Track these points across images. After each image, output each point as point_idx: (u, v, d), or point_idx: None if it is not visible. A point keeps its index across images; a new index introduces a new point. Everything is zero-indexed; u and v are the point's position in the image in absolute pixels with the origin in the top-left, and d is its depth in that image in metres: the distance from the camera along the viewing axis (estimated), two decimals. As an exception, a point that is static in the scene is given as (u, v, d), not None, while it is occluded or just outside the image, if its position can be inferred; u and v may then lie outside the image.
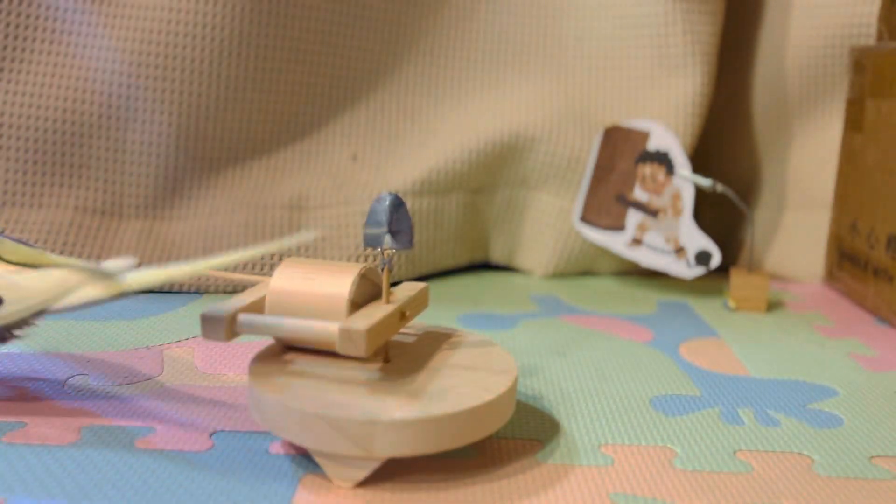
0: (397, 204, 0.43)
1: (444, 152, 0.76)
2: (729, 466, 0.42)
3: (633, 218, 0.74)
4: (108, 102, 0.68)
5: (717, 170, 0.79)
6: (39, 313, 0.40)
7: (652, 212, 0.74)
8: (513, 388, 0.42)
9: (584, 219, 0.76)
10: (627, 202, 0.75)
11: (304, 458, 0.41)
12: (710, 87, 0.77)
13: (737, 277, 0.71)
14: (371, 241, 0.43)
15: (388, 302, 0.43)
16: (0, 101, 0.67)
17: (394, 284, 0.71)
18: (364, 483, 0.39)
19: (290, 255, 0.66)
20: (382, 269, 0.43)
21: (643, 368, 0.56)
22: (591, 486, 0.39)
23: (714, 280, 0.76)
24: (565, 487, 0.39)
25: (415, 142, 0.76)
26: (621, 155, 0.76)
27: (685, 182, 0.73)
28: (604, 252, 0.79)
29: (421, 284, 0.48)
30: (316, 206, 0.73)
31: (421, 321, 0.63)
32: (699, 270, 0.71)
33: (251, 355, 0.47)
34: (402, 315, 0.44)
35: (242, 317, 0.42)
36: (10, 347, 0.56)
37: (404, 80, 0.76)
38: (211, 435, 0.44)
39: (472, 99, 0.78)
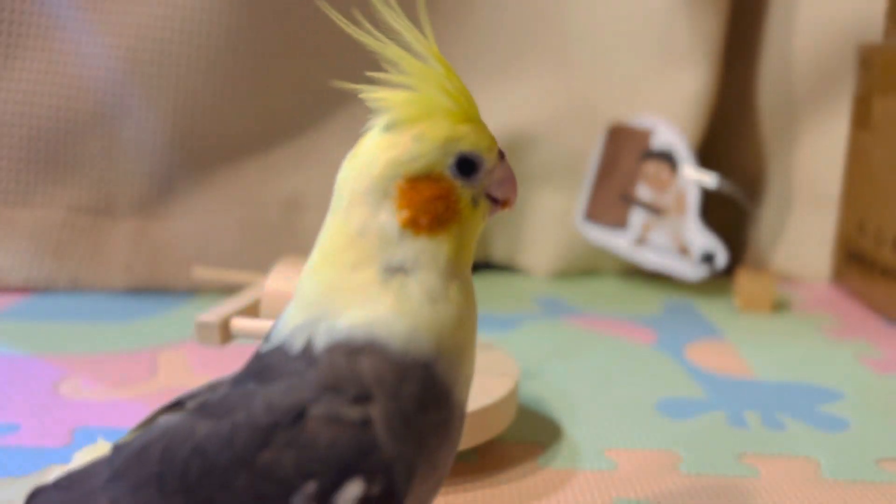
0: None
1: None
2: (735, 470, 0.41)
3: (638, 217, 0.74)
4: (101, 100, 0.67)
5: (722, 168, 0.79)
6: None
7: (656, 210, 0.73)
8: (514, 392, 0.41)
9: (588, 217, 0.75)
10: (631, 201, 0.74)
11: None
12: (715, 84, 0.76)
13: (742, 277, 0.70)
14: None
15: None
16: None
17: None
18: (361, 488, 0.38)
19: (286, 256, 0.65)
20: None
21: (647, 371, 0.55)
22: (594, 490, 0.39)
23: (719, 280, 0.76)
24: (568, 492, 0.38)
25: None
26: (625, 152, 0.75)
27: (690, 180, 0.72)
28: (607, 251, 0.78)
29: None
30: (312, 204, 0.73)
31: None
32: (704, 271, 0.70)
33: (247, 357, 0.46)
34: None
35: (237, 322, 0.42)
36: (2, 349, 0.55)
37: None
38: (205, 439, 0.43)
39: (472, 95, 0.77)
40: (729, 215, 0.79)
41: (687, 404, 0.50)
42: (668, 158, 0.73)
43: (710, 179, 0.72)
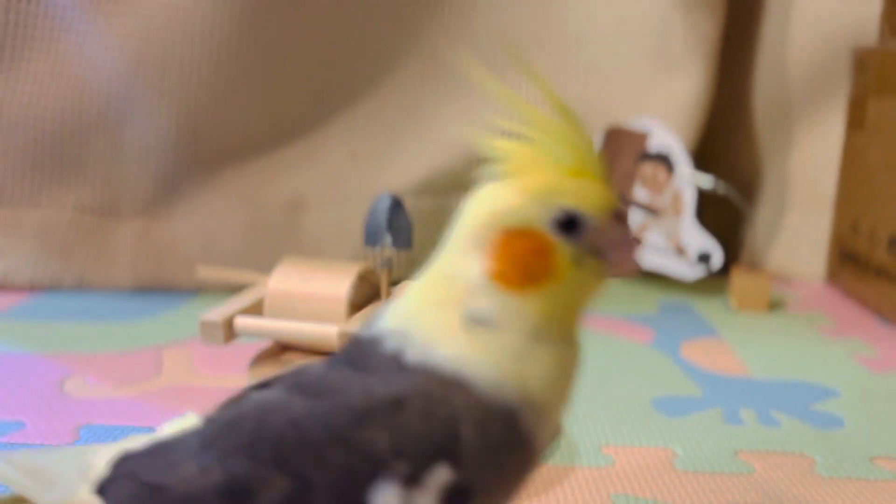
0: (397, 204, 0.43)
1: (444, 152, 0.76)
2: (730, 467, 0.42)
3: (635, 218, 0.74)
4: (106, 102, 0.68)
5: (718, 169, 0.79)
6: None
7: (653, 212, 0.74)
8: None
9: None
10: (628, 202, 0.75)
11: (303, 460, 0.41)
12: (711, 87, 0.77)
13: (738, 277, 0.71)
14: (370, 241, 0.43)
15: (387, 302, 0.43)
16: (-1, 100, 0.67)
17: (393, 284, 0.71)
18: (363, 484, 0.39)
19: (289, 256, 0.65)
20: (382, 270, 0.43)
21: (644, 369, 0.56)
22: (591, 487, 0.39)
23: (716, 280, 0.76)
24: (566, 488, 0.39)
25: (415, 141, 0.76)
26: (622, 154, 0.76)
27: (686, 182, 0.73)
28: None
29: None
30: (315, 205, 0.73)
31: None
32: (700, 271, 0.71)
33: (250, 356, 0.47)
34: (401, 315, 0.43)
35: (240, 321, 0.42)
36: (8, 348, 0.56)
37: (404, 78, 0.75)
38: (210, 436, 0.44)
39: (472, 98, 0.77)
40: (725, 216, 0.80)
41: (683, 402, 0.50)
42: (664, 160, 0.74)
43: (706, 180, 0.72)
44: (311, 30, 0.71)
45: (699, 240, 0.71)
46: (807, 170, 0.80)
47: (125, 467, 0.27)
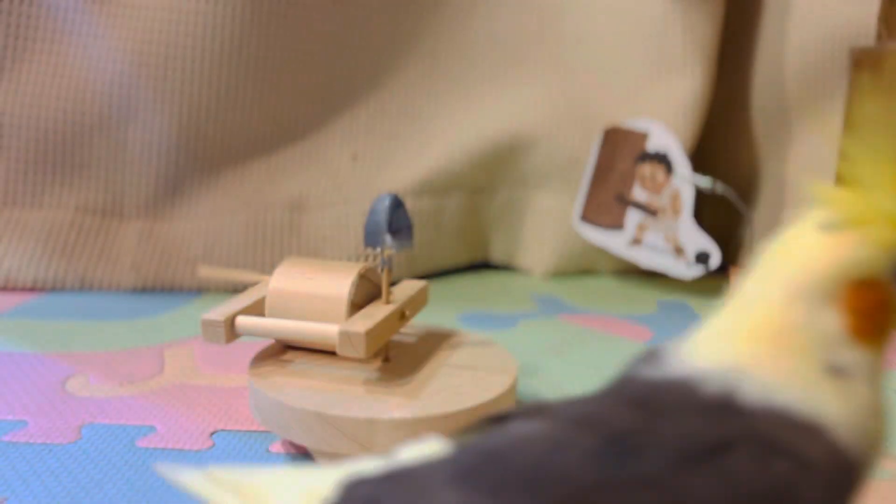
0: (397, 204, 0.43)
1: (444, 152, 0.76)
2: (727, 465, 0.42)
3: (633, 218, 0.74)
4: (108, 103, 0.68)
5: (716, 170, 0.79)
6: None
7: (652, 212, 0.74)
8: (512, 388, 0.42)
9: (584, 218, 0.76)
10: (627, 202, 0.75)
11: (304, 458, 0.42)
12: (709, 87, 0.77)
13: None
14: (371, 241, 0.43)
15: (387, 302, 0.44)
16: (1, 101, 0.68)
17: (393, 284, 0.71)
18: (364, 482, 0.39)
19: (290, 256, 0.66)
20: (382, 269, 0.43)
21: (642, 368, 0.56)
22: (589, 485, 0.39)
23: (714, 279, 0.77)
24: (564, 486, 0.39)
25: (415, 142, 0.76)
26: (621, 155, 0.76)
27: (684, 182, 0.73)
28: (604, 251, 0.79)
29: (420, 283, 0.48)
30: (316, 205, 0.73)
31: (421, 321, 0.63)
32: (698, 270, 0.71)
33: (251, 354, 0.47)
34: (401, 315, 0.44)
35: (242, 320, 0.43)
36: (11, 347, 0.56)
37: (404, 80, 0.76)
38: (211, 434, 0.44)
39: (472, 99, 0.78)
40: (723, 216, 0.80)
41: (681, 401, 0.50)
42: (663, 160, 0.74)
43: (704, 181, 0.73)
44: (312, 31, 0.71)
45: (697, 240, 0.72)
46: (804, 170, 0.81)
47: (362, 492, 0.24)
